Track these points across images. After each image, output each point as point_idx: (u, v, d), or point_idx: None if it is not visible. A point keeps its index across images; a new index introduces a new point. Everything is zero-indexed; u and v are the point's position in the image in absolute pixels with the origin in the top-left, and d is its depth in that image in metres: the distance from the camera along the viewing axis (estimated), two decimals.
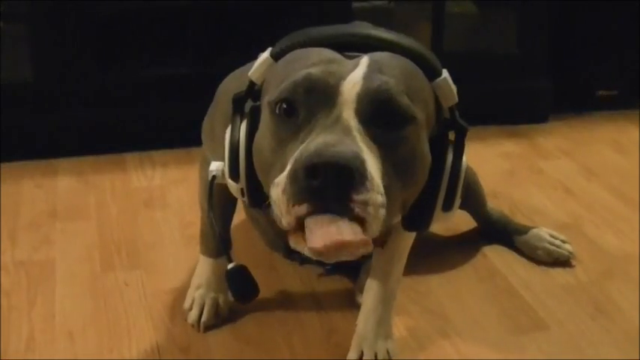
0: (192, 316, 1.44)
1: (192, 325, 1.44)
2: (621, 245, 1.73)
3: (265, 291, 1.54)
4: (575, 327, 1.45)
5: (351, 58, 1.03)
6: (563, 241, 1.68)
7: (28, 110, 2.09)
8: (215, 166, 1.15)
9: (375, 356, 1.33)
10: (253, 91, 1.10)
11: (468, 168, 1.65)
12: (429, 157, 1.03)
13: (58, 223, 1.79)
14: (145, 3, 2.11)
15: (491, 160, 2.15)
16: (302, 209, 0.92)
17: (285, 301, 1.53)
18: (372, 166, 0.94)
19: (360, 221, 0.92)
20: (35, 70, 2.07)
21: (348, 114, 0.97)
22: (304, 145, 0.94)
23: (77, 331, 1.42)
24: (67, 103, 2.11)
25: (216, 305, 1.45)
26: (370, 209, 0.92)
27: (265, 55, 1.09)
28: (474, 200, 1.69)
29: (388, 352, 1.34)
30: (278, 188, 0.94)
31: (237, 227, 1.68)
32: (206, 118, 1.34)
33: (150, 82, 2.14)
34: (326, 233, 0.90)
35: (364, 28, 1.07)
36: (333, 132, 0.95)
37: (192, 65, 2.15)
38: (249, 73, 1.09)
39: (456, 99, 1.07)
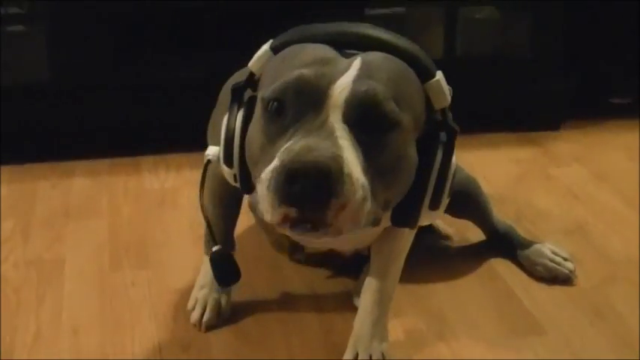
0: (195, 315, 1.47)
1: (195, 325, 1.46)
2: (625, 251, 1.73)
3: (268, 292, 1.58)
4: (573, 332, 1.46)
5: (347, 56, 1.06)
6: (565, 259, 1.63)
7: (46, 112, 2.14)
8: (211, 150, 1.19)
9: (370, 357, 1.34)
10: (252, 81, 1.14)
11: (471, 178, 1.66)
12: (413, 160, 1.06)
13: (71, 222, 1.84)
14: (163, 3, 2.13)
15: (501, 165, 2.16)
16: (288, 210, 0.96)
17: (287, 302, 1.55)
18: (353, 162, 0.97)
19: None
20: (52, 71, 2.11)
21: (335, 117, 1.00)
22: (289, 144, 0.98)
23: (82, 327, 1.46)
24: (83, 105, 2.15)
25: (218, 305, 1.48)
26: (348, 212, 0.96)
27: (265, 48, 1.13)
28: (477, 210, 1.69)
29: (383, 354, 1.35)
30: (263, 185, 0.98)
31: (245, 230, 1.73)
32: (211, 120, 1.38)
33: (166, 85, 2.17)
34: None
35: (363, 28, 1.10)
36: (317, 135, 0.98)
37: (209, 68, 2.17)
38: (250, 64, 1.13)
39: (448, 101, 1.10)
